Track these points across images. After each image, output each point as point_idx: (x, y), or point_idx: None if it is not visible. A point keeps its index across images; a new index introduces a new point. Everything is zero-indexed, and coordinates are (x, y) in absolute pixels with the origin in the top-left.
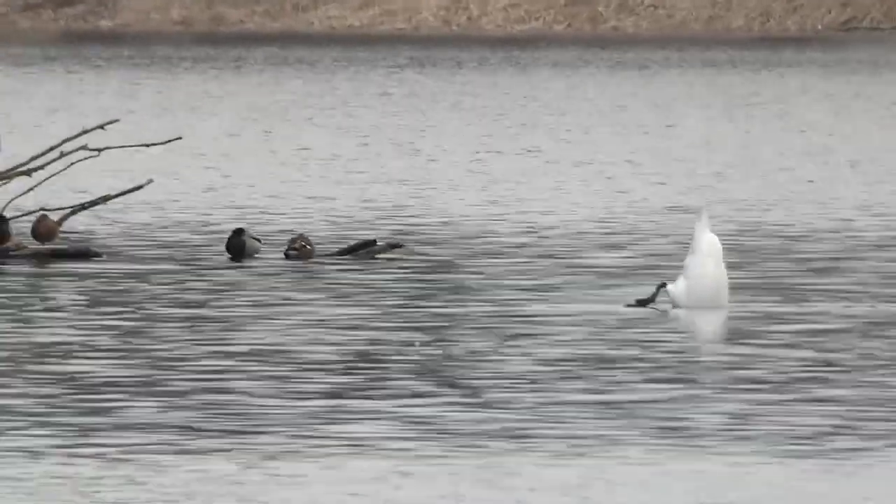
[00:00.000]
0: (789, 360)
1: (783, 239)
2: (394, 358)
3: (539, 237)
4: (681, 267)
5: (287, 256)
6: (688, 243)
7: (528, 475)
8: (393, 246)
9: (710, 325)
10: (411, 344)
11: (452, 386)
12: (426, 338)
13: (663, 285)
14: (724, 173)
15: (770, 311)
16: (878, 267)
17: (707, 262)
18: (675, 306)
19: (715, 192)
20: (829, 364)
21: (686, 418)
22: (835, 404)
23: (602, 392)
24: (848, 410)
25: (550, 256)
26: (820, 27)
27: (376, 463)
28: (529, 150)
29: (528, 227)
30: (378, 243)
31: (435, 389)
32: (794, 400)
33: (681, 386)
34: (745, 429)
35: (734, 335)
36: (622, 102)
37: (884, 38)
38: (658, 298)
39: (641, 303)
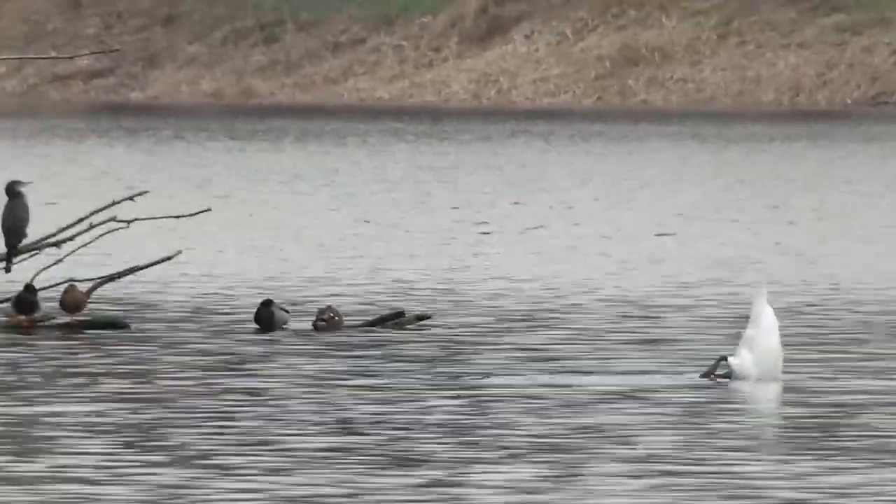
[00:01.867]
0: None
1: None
2: (418, 429)
3: (579, 308)
4: (736, 339)
5: (316, 328)
6: (736, 317)
7: None
8: (421, 318)
9: (774, 394)
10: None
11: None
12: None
13: (724, 359)
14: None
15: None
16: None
17: (772, 336)
18: (738, 378)
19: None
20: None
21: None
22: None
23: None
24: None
25: (591, 329)
26: (849, 101)
27: None
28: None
29: (569, 298)
30: (406, 314)
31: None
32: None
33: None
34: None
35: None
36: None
37: None
38: (718, 371)
39: (704, 375)
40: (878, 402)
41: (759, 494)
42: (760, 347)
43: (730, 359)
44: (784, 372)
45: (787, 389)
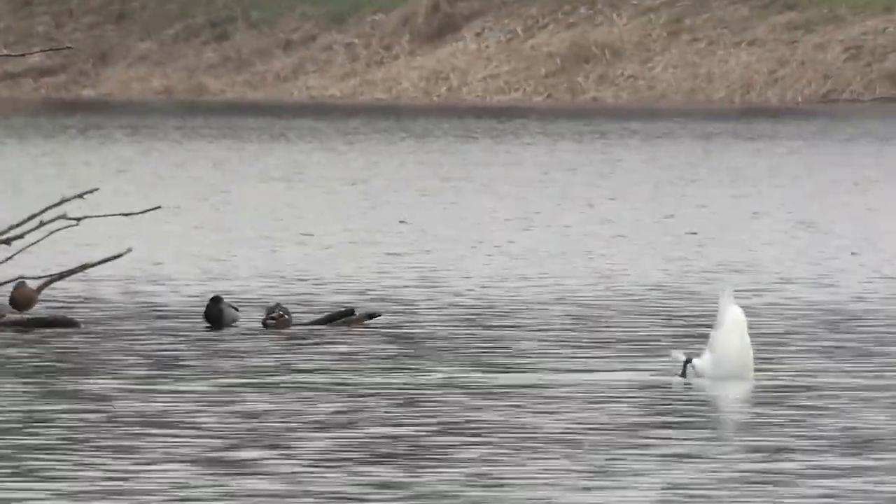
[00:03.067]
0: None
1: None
2: (370, 427)
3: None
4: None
5: (265, 325)
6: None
7: None
8: (370, 315)
9: (734, 395)
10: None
11: (442, 455)
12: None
13: (689, 361)
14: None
15: (797, 382)
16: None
17: (732, 336)
18: (701, 378)
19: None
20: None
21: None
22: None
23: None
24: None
25: (546, 329)
26: (800, 99)
27: None
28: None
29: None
30: (356, 313)
31: (427, 461)
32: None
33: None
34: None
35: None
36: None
37: (864, 111)
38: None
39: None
40: (854, 399)
41: (705, 495)
42: (719, 348)
43: (694, 359)
44: (760, 371)
45: (755, 388)
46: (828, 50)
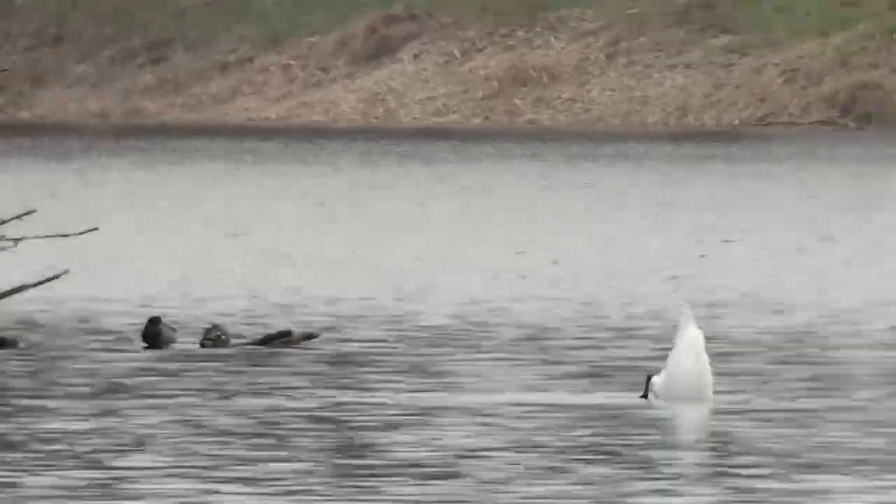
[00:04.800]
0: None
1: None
2: (305, 445)
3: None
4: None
5: (203, 346)
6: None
7: None
8: (308, 336)
9: (687, 418)
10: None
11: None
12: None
13: (649, 378)
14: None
15: (754, 405)
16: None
17: (685, 357)
18: (658, 398)
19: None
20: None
21: None
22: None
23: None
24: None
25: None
26: (737, 122)
27: None
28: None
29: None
30: (293, 333)
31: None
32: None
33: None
34: None
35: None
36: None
37: (802, 133)
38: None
39: (643, 395)
40: (796, 424)
41: None
42: (672, 368)
43: (654, 377)
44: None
45: (713, 410)
46: (764, 73)
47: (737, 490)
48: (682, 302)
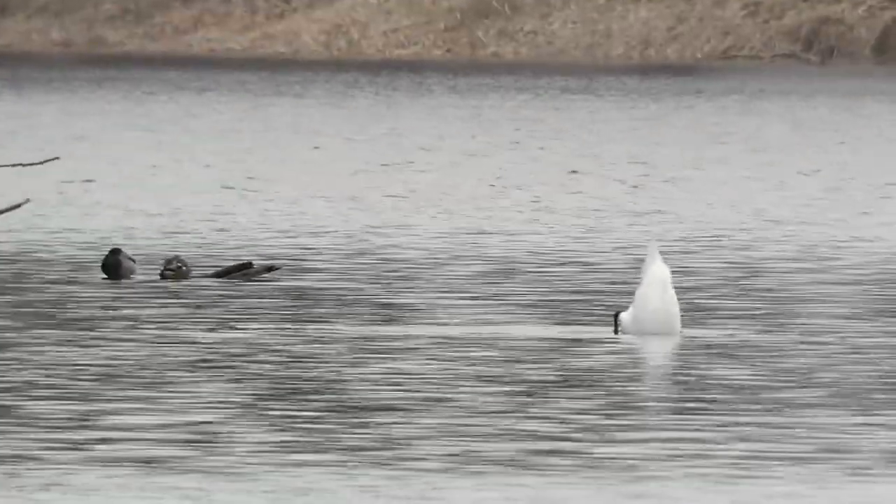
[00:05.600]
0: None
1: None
2: (267, 379)
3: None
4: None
5: (163, 277)
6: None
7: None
8: (269, 269)
9: (653, 352)
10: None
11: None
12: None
13: (616, 315)
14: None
15: (721, 339)
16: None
17: (652, 292)
18: (626, 333)
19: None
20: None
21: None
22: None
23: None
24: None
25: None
26: (699, 56)
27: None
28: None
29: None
30: (254, 265)
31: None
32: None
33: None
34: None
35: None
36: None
37: (763, 67)
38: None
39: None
40: (764, 355)
41: (603, 454)
42: (639, 303)
43: (622, 314)
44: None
45: (680, 344)
46: (726, 7)
47: (706, 425)
48: (649, 237)
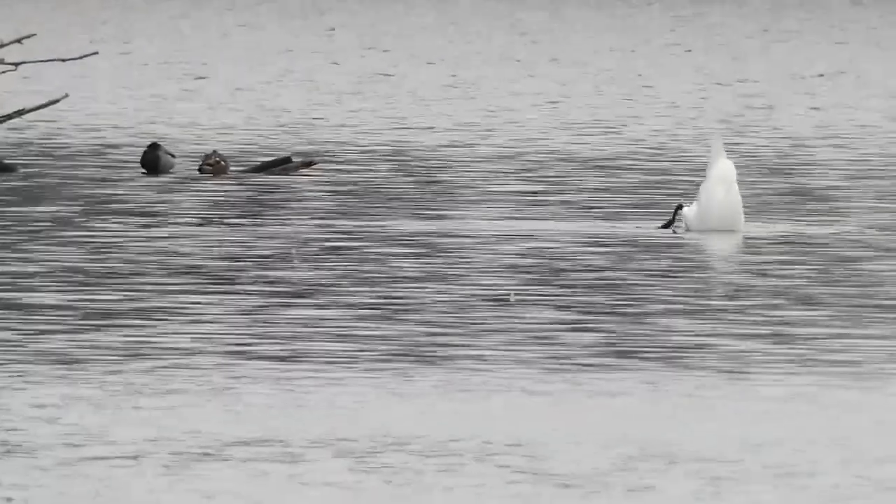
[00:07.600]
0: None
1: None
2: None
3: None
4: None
5: (201, 171)
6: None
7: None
8: (307, 164)
9: (720, 249)
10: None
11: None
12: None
13: (680, 207)
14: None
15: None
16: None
17: (717, 188)
18: (689, 230)
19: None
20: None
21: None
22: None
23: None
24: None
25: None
26: None
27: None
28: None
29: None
30: (293, 160)
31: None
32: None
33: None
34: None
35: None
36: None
37: None
38: (677, 221)
39: (665, 226)
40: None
41: (680, 343)
42: (704, 199)
43: (684, 207)
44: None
45: (744, 241)
46: None
47: (771, 320)
48: (713, 133)
